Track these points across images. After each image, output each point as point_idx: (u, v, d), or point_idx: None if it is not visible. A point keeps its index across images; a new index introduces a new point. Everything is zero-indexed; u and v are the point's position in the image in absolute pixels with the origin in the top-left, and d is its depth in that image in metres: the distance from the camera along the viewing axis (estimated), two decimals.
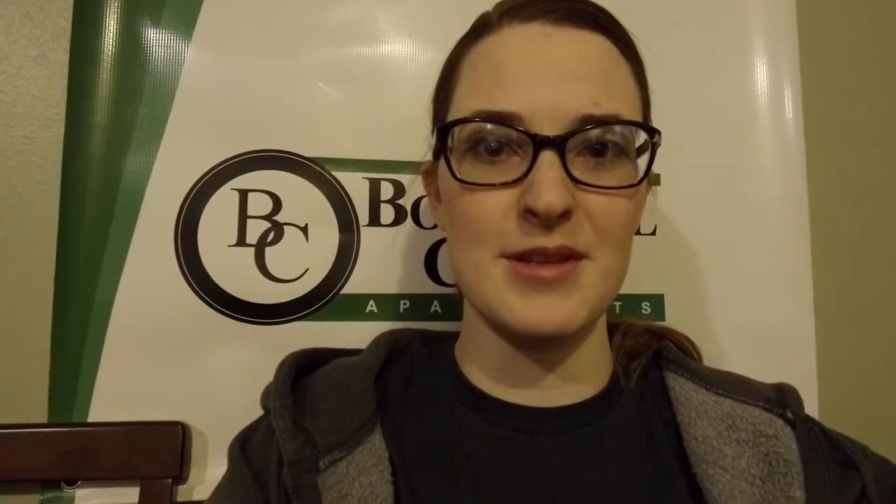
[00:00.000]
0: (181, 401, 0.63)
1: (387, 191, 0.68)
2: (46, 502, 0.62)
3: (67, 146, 0.64)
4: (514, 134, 0.41)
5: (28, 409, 0.62)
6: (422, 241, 0.68)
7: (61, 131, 0.65)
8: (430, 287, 0.68)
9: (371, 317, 0.66)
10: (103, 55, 0.65)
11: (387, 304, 0.67)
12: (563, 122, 0.40)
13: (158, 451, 0.61)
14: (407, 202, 0.68)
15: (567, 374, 0.46)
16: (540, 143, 0.39)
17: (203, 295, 0.64)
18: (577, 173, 0.40)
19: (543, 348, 0.46)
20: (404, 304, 0.68)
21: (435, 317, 0.68)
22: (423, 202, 0.69)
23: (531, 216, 0.39)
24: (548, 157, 0.39)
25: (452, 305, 0.67)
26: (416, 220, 0.69)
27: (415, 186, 0.67)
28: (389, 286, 0.67)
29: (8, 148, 0.65)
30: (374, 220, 0.68)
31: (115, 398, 0.62)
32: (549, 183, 0.39)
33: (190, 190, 0.65)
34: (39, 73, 0.66)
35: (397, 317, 0.67)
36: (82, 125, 0.64)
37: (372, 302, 0.67)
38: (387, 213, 0.68)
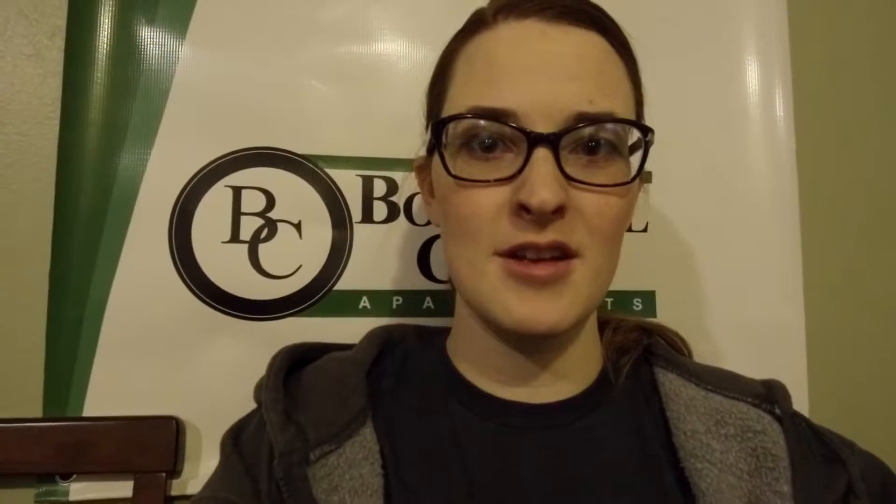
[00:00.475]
0: (175, 396, 0.63)
1: (380, 188, 0.69)
2: (41, 496, 0.62)
3: (62, 143, 0.65)
4: (508, 130, 0.41)
5: (23, 403, 0.63)
6: (415, 237, 0.69)
7: (56, 129, 0.65)
8: (422, 283, 0.68)
9: (364, 313, 0.67)
10: (98, 53, 0.66)
11: (380, 301, 0.68)
12: (558, 119, 0.40)
13: (152, 445, 0.61)
14: (400, 199, 0.69)
15: (558, 371, 0.47)
16: (534, 139, 0.40)
17: (197, 291, 0.65)
18: (570, 170, 0.40)
19: (535, 347, 0.46)
20: (397, 300, 0.68)
21: (428, 313, 0.68)
22: (416, 199, 0.69)
23: (525, 213, 0.40)
24: (542, 154, 0.40)
25: (445, 302, 0.68)
26: (409, 217, 0.69)
27: (407, 183, 0.67)
28: (382, 282, 0.68)
29: (3, 145, 0.66)
30: (367, 216, 0.68)
31: (109, 393, 0.63)
32: (542, 179, 0.39)
33: (184, 187, 0.65)
34: (34, 70, 0.66)
35: (390, 313, 0.67)
36: (77, 123, 0.65)
37: (365, 298, 0.67)
38: (380, 209, 0.69)
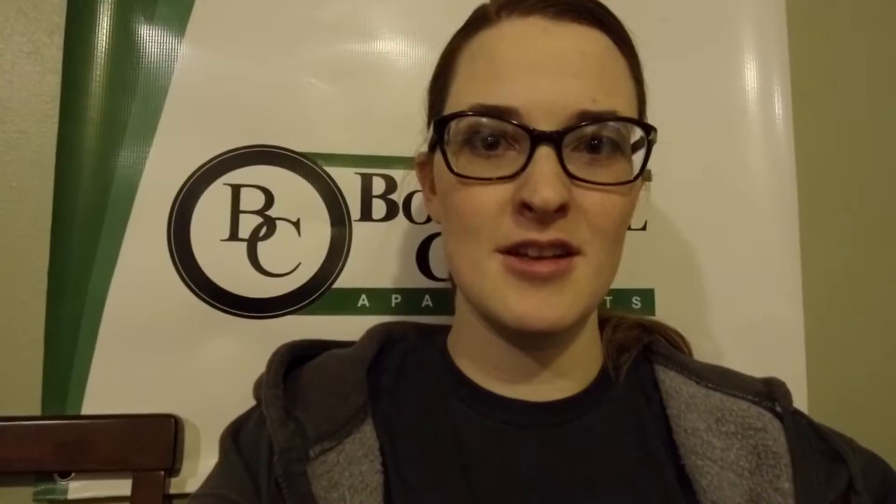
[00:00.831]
0: (174, 394, 0.63)
1: (379, 186, 0.69)
2: (40, 494, 0.62)
3: (61, 141, 0.65)
4: (510, 128, 0.41)
5: (22, 401, 0.62)
6: (414, 235, 0.69)
7: (55, 126, 0.65)
8: (421, 281, 0.68)
9: (363, 311, 0.67)
10: (97, 51, 0.65)
11: (379, 298, 0.68)
12: (561, 117, 0.40)
13: (151, 443, 0.61)
14: (399, 197, 0.69)
15: (559, 368, 0.47)
16: (537, 138, 0.40)
17: (196, 289, 0.65)
18: (573, 169, 0.40)
19: (536, 344, 0.46)
20: (396, 298, 0.68)
21: (427, 311, 0.68)
22: (416, 197, 0.69)
23: (527, 211, 0.40)
24: (544, 153, 0.39)
25: (444, 299, 0.68)
26: (408, 215, 0.69)
27: (407, 181, 0.68)
28: (381, 280, 0.68)
29: (2, 143, 0.65)
30: (366, 214, 0.68)
31: (108, 391, 0.63)
32: (545, 178, 0.39)
33: (183, 185, 0.65)
34: (33, 68, 0.66)
35: (389, 310, 0.67)
36: (76, 120, 0.65)
37: (364, 296, 0.67)
38: (378, 208, 0.69)
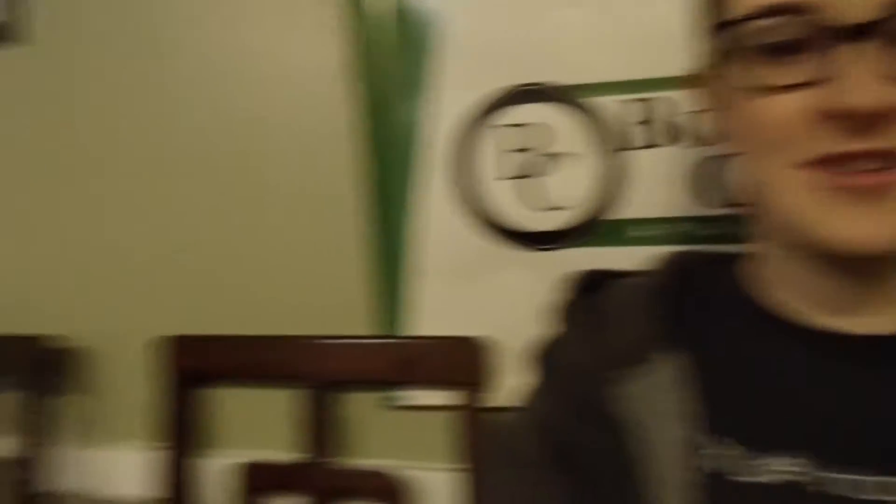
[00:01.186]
0: (480, 318, 0.73)
1: (650, 111, 0.66)
2: (382, 400, 0.79)
3: (356, 99, 0.75)
4: (807, 26, 0.36)
5: (354, 326, 0.79)
6: (690, 160, 0.65)
7: (348, 86, 0.76)
8: (699, 209, 0.65)
9: (639, 242, 0.67)
10: (374, 12, 0.74)
11: (656, 229, 0.67)
12: (866, 7, 0.34)
13: (466, 361, 0.72)
14: (670, 121, 0.66)
15: (887, 297, 0.41)
16: (842, 34, 0.34)
17: (484, 225, 0.72)
18: (889, 66, 0.34)
19: (858, 268, 0.41)
20: (675, 227, 0.66)
21: (709, 240, 0.65)
22: (689, 119, 0.65)
23: (837, 119, 0.35)
24: (852, 50, 0.34)
25: (728, 227, 0.64)
26: (681, 140, 0.65)
27: (675, 103, 0.64)
28: (657, 210, 0.67)
29: (307, 108, 0.79)
30: (639, 142, 0.67)
31: (428, 317, 0.75)
32: (856, 79, 0.34)
33: (458, 128, 0.72)
34: (321, 37, 0.77)
35: (669, 241, 0.66)
36: (363, 78, 0.75)
37: (640, 227, 0.67)
38: (649, 134, 0.66)
